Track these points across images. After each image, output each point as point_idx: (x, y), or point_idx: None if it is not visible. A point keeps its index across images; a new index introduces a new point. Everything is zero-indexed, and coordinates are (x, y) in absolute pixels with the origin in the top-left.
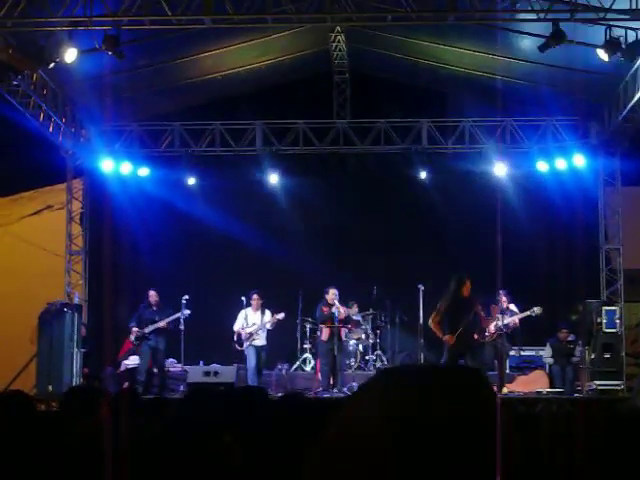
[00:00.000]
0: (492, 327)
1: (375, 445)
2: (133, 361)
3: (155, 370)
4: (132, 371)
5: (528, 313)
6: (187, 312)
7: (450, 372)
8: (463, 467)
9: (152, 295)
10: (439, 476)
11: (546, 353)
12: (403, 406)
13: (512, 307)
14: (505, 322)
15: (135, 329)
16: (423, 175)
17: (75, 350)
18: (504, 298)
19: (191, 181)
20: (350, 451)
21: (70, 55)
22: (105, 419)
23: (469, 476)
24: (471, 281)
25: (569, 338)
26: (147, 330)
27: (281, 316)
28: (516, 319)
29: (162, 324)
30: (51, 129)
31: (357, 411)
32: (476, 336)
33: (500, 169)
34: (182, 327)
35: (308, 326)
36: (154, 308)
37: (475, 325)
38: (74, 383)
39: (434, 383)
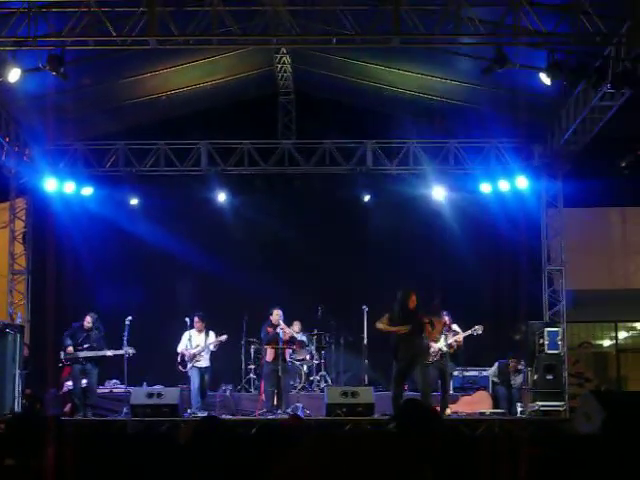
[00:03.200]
0: (435, 347)
1: None
2: (72, 383)
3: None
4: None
5: (470, 332)
6: (131, 351)
7: (380, 449)
8: None
9: (87, 321)
10: None
11: (492, 372)
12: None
13: (454, 327)
14: (448, 342)
15: (70, 348)
16: (367, 197)
17: (17, 371)
18: (446, 318)
19: (135, 201)
20: None
21: (13, 75)
22: (50, 461)
23: None
24: (417, 295)
25: (519, 367)
26: (81, 355)
27: (224, 338)
28: (459, 338)
29: (108, 354)
30: None
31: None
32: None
33: (439, 192)
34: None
35: (253, 347)
36: (88, 331)
37: (422, 341)
38: (16, 404)
39: (362, 459)
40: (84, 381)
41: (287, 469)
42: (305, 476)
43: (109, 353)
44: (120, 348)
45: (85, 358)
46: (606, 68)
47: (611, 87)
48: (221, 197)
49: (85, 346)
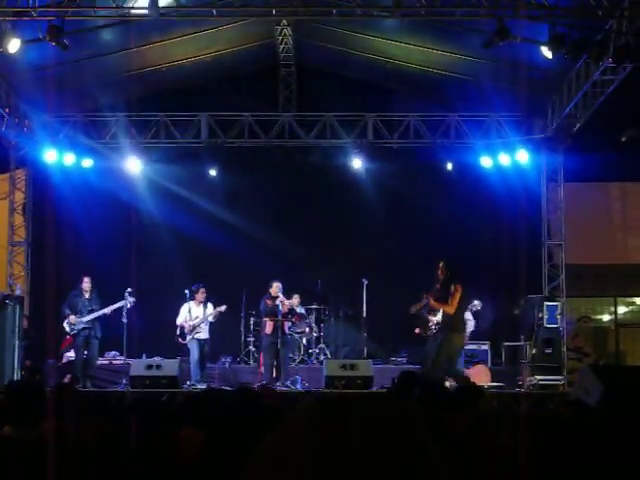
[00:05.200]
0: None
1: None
2: (74, 353)
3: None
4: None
5: (468, 307)
6: (132, 300)
7: (383, 415)
8: None
9: (85, 282)
10: None
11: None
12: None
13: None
14: None
15: (72, 317)
16: (367, 170)
17: (16, 342)
18: None
19: (135, 172)
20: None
21: (13, 45)
22: (49, 430)
23: None
24: (444, 263)
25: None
26: (85, 319)
27: (223, 308)
28: None
29: (107, 311)
30: None
31: (283, 443)
32: (418, 330)
33: (438, 165)
34: (125, 320)
35: (252, 319)
36: (87, 296)
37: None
38: (15, 375)
39: (362, 425)
40: (85, 352)
41: (280, 441)
42: (301, 449)
43: (111, 308)
44: (119, 319)
45: (90, 321)
46: (607, 42)
47: (612, 61)
48: (221, 169)
49: (87, 310)
